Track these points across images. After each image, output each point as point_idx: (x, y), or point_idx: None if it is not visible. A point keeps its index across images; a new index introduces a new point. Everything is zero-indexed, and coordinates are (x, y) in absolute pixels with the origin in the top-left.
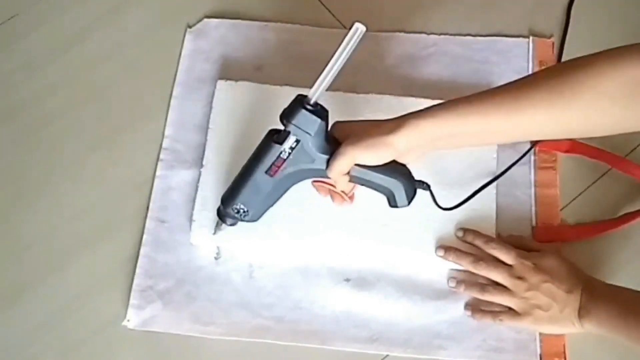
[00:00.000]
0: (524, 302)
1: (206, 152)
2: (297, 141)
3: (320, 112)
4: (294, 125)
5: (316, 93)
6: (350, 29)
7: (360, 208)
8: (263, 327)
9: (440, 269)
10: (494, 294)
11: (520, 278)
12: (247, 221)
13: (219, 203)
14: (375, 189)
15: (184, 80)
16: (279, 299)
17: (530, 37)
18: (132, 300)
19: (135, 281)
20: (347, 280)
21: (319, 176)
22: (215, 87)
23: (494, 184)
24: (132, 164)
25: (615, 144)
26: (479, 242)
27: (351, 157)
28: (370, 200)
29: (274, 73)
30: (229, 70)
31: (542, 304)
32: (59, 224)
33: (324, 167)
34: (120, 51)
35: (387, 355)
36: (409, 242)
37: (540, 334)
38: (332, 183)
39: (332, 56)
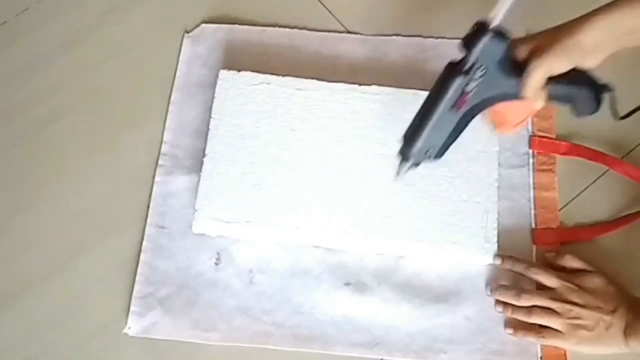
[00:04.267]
0: (570, 323)
1: (209, 142)
2: (484, 69)
3: (504, 34)
4: (480, 52)
5: (499, 15)
6: None
7: (361, 199)
8: (264, 333)
9: (441, 265)
10: (542, 316)
11: (564, 300)
12: (433, 159)
13: (221, 192)
14: (566, 102)
15: (182, 86)
16: (279, 304)
17: None
18: (132, 307)
19: (136, 288)
20: (348, 284)
21: (506, 100)
22: (217, 77)
23: (495, 185)
24: (131, 169)
25: (612, 146)
26: (519, 269)
27: (545, 69)
28: (370, 191)
29: None
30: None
31: (587, 324)
32: (58, 227)
33: (512, 90)
34: (117, 56)
35: None
36: (412, 234)
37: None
38: (503, 111)
39: None
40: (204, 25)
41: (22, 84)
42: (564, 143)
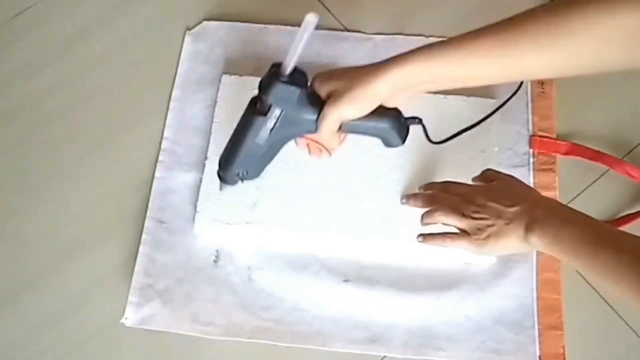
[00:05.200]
0: (472, 221)
1: (210, 145)
2: (281, 110)
3: (297, 79)
4: (274, 97)
5: (291, 62)
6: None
7: (360, 200)
8: (262, 328)
9: (440, 264)
10: (446, 214)
11: (468, 200)
12: (249, 179)
13: (222, 194)
14: (368, 135)
15: (183, 83)
16: (278, 301)
17: None
18: (130, 298)
19: (134, 279)
20: (346, 281)
21: (309, 133)
22: (219, 82)
23: None
24: (132, 165)
25: (613, 146)
26: (436, 187)
27: (337, 116)
28: (370, 192)
29: None
30: (228, 73)
31: (488, 222)
32: (58, 225)
33: (312, 127)
34: (119, 53)
35: (386, 357)
36: (411, 234)
37: (540, 335)
38: (315, 139)
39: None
40: (205, 22)
41: (23, 83)
42: (564, 143)
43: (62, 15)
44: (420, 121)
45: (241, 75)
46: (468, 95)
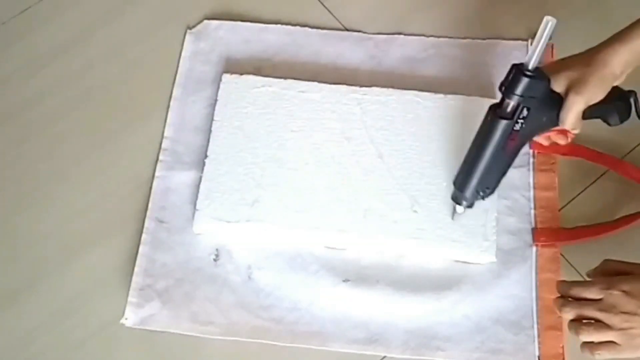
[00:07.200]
0: (623, 333)
1: (211, 144)
2: (528, 109)
3: (540, 72)
4: (521, 96)
5: (535, 56)
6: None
7: (360, 200)
8: (262, 328)
9: (440, 263)
10: (591, 333)
11: (612, 310)
12: (488, 196)
13: (222, 193)
14: (598, 117)
15: (183, 82)
16: (277, 300)
17: (529, 40)
18: (130, 299)
19: (134, 279)
20: (346, 281)
21: (548, 129)
22: (219, 81)
23: None
24: (132, 165)
25: (612, 146)
26: (561, 290)
27: (584, 104)
28: (370, 191)
29: (273, 74)
30: (229, 72)
31: None
32: (58, 224)
33: (554, 122)
34: (120, 52)
35: (386, 357)
36: (410, 233)
37: (539, 335)
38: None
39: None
40: (206, 21)
41: (22, 83)
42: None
43: (62, 15)
44: (635, 94)
45: (241, 75)
46: (468, 95)
